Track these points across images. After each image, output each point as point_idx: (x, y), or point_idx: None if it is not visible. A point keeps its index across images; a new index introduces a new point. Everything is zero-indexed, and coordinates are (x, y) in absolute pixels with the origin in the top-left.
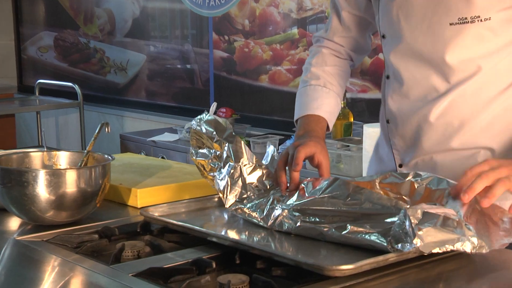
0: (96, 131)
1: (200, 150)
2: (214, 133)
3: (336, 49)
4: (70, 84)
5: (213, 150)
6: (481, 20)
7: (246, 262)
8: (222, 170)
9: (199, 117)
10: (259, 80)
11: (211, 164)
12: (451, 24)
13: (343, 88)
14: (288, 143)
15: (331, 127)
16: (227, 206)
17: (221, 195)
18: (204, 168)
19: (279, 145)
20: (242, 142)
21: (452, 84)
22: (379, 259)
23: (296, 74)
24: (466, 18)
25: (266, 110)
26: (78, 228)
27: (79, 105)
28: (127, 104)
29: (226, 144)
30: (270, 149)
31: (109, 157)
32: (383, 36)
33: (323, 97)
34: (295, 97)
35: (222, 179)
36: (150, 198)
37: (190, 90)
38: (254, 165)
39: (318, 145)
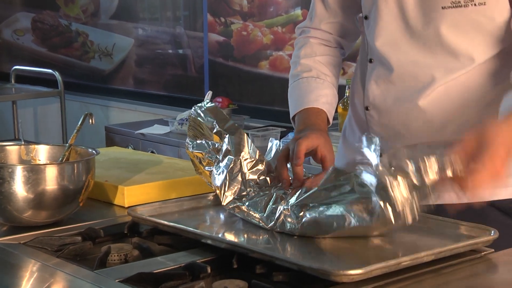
0: (79, 122)
1: (198, 141)
2: (215, 122)
3: (325, 38)
4: (49, 70)
5: (212, 142)
6: (475, 5)
7: (244, 266)
8: (220, 164)
9: (199, 104)
10: (258, 66)
11: (209, 157)
12: (443, 7)
13: (337, 78)
14: (290, 136)
15: (331, 120)
16: (224, 204)
17: (217, 191)
18: (201, 162)
19: (280, 138)
20: (245, 134)
21: (446, 71)
22: (391, 263)
23: None
24: (459, 2)
25: (266, 100)
26: (59, 229)
27: (59, 94)
28: (113, 93)
29: (227, 136)
30: (274, 143)
31: (94, 152)
32: (366, 17)
33: (318, 89)
34: None
35: (219, 173)
36: (139, 197)
37: (182, 77)
38: (255, 159)
39: (321, 138)
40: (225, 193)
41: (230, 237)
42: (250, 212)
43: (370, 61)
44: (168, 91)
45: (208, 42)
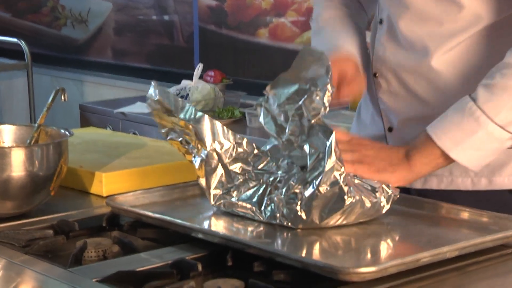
0: (49, 100)
1: (169, 129)
2: (173, 113)
3: (344, 3)
4: (14, 40)
5: (182, 131)
6: None
7: (240, 264)
8: (196, 157)
9: (149, 97)
10: (256, 35)
11: (186, 147)
12: None
13: (364, 35)
14: None
15: (361, 69)
16: (212, 203)
17: (206, 193)
18: (180, 151)
19: None
20: (212, 120)
21: (462, 28)
22: (408, 260)
23: (304, 28)
24: None
25: (265, 74)
26: (28, 222)
27: (26, 67)
28: (88, 66)
29: (191, 126)
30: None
31: (66, 133)
32: None
33: (344, 31)
34: None
35: (198, 168)
36: (119, 184)
37: (168, 48)
38: (232, 144)
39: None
40: (211, 191)
41: (224, 230)
42: (243, 203)
43: (380, 22)
44: (152, 64)
45: (198, 6)
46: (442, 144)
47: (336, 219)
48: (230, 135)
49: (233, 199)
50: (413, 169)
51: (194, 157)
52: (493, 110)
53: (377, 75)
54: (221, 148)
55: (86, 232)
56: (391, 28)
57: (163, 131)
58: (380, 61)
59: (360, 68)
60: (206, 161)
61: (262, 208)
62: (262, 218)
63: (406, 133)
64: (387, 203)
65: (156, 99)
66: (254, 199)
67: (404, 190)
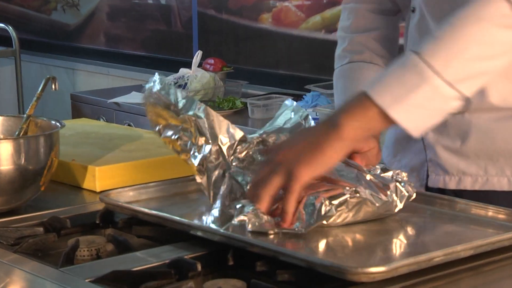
0: (39, 89)
1: (163, 126)
2: (173, 107)
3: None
4: (1, 25)
5: (180, 127)
6: None
7: (242, 263)
8: (196, 154)
9: (148, 90)
10: (259, 20)
11: (182, 145)
12: None
13: (394, 56)
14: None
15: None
16: (213, 202)
17: (205, 192)
18: (175, 149)
19: None
20: (216, 113)
21: None
22: (421, 259)
23: (310, 12)
24: None
25: (269, 62)
26: (17, 219)
27: (14, 54)
28: (80, 53)
29: (194, 120)
30: (291, 107)
31: (58, 124)
32: None
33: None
34: (307, 44)
35: (199, 166)
36: (113, 179)
37: (165, 34)
38: (236, 141)
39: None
40: (210, 189)
41: (224, 227)
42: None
43: (413, 10)
44: (148, 51)
45: None
46: (381, 101)
47: (343, 218)
48: (236, 131)
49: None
50: (342, 135)
51: (193, 154)
52: (440, 64)
53: (414, 10)
54: (226, 143)
55: (79, 230)
56: (423, 17)
57: (156, 129)
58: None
59: (375, 140)
60: (208, 158)
61: None
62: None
63: (442, 129)
64: (400, 202)
65: (155, 90)
66: None
67: (439, 191)
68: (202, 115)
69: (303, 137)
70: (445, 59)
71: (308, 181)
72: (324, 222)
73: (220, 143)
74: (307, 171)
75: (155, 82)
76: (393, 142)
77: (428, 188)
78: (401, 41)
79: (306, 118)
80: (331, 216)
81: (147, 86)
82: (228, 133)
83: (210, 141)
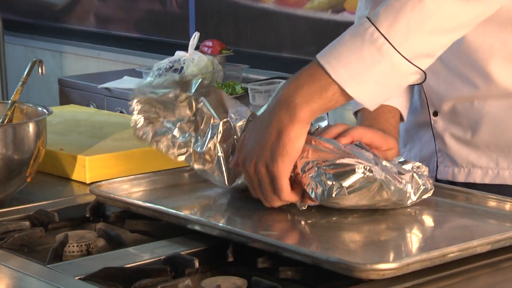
0: (25, 73)
1: (154, 126)
2: (178, 91)
3: None
4: None
5: (178, 118)
6: None
7: (242, 259)
8: (199, 140)
9: (143, 83)
10: (261, 0)
11: (181, 138)
12: None
13: None
14: None
15: (405, 116)
16: (232, 184)
17: (215, 174)
18: (172, 147)
19: None
20: (223, 92)
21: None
22: (434, 255)
23: None
24: None
25: (271, 44)
26: (1, 212)
27: None
28: (69, 34)
29: (202, 100)
30: None
31: (45, 111)
32: None
33: None
34: (313, 25)
35: (206, 152)
36: (104, 170)
37: (160, 14)
38: (246, 120)
39: (381, 131)
40: (223, 169)
41: (224, 221)
42: None
43: None
44: (141, 33)
45: None
46: (339, 78)
47: (351, 196)
48: (246, 109)
49: None
50: (300, 118)
51: (198, 142)
52: (399, 39)
53: None
54: (236, 119)
55: (67, 224)
56: None
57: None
58: None
59: (395, 141)
60: (221, 137)
61: None
62: None
63: (451, 117)
64: (414, 195)
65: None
66: None
67: (448, 184)
68: (208, 92)
69: (262, 127)
70: (404, 34)
71: (289, 170)
72: (335, 202)
73: (230, 120)
74: (284, 164)
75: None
76: (403, 131)
77: (437, 181)
78: None
79: None
80: (343, 196)
81: (137, 82)
82: (237, 110)
83: (218, 119)
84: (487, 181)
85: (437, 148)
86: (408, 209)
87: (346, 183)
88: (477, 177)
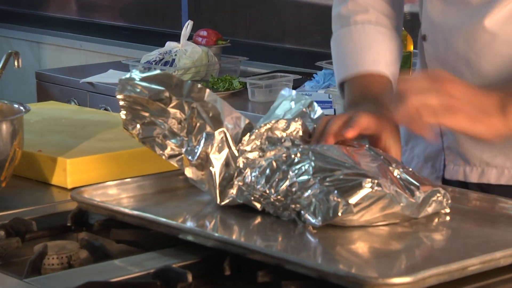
0: None
1: (141, 124)
2: (167, 93)
3: None
4: None
5: (167, 119)
6: None
7: (241, 273)
8: (190, 145)
9: (126, 76)
10: None
11: (171, 140)
12: None
13: (402, 17)
14: (307, 86)
15: (395, 87)
16: (223, 202)
17: (206, 189)
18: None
19: (294, 89)
20: (218, 97)
21: None
22: (453, 268)
23: None
24: None
25: (272, 34)
26: None
27: None
28: (47, 23)
29: (194, 105)
30: (290, 96)
31: (21, 108)
32: None
33: (379, 42)
34: (318, 13)
35: (197, 161)
36: (87, 173)
37: (149, 1)
38: (242, 129)
39: (389, 122)
40: (216, 184)
41: (220, 230)
42: (254, 184)
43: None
44: (128, 21)
45: None
46: None
47: (359, 215)
48: (240, 117)
49: (240, 183)
50: (508, 123)
51: (189, 147)
52: None
53: (426, 38)
54: (230, 129)
55: (47, 234)
56: None
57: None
58: (429, 21)
59: (397, 130)
60: (212, 144)
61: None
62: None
63: None
64: (429, 206)
65: (139, 79)
66: (266, 175)
67: (458, 184)
68: (202, 97)
69: (472, 93)
70: None
71: (452, 127)
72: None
73: (225, 129)
74: (462, 121)
75: (133, 72)
76: (404, 128)
77: (445, 181)
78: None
79: (310, 105)
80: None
81: (123, 77)
82: (232, 119)
83: (212, 127)
84: (503, 181)
85: (444, 145)
86: (423, 217)
87: (352, 199)
88: (492, 177)
